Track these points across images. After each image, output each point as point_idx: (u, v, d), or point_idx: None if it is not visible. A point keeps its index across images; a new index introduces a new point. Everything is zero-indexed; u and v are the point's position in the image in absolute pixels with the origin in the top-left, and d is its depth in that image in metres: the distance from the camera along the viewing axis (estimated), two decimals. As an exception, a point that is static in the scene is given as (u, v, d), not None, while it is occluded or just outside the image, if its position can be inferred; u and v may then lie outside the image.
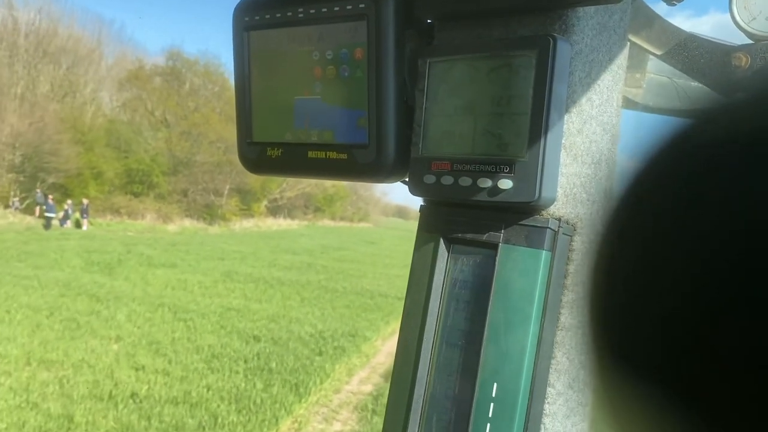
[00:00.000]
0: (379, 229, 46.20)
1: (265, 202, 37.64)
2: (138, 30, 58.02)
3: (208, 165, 27.00)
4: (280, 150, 0.71)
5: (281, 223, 33.28)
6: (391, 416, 0.63)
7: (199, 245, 18.22)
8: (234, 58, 0.73)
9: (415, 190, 0.63)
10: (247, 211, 32.23)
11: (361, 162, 0.64)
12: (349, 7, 0.63)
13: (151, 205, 24.84)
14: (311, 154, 0.68)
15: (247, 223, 29.67)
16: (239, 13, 0.72)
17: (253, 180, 28.81)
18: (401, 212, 77.00)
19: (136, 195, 25.19)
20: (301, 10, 0.66)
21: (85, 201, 21.17)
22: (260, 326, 8.21)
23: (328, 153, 0.67)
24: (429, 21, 0.65)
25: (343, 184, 39.66)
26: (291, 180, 39.48)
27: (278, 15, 0.68)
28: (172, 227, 23.48)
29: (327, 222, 42.82)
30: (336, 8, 0.64)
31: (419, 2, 0.62)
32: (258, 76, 0.72)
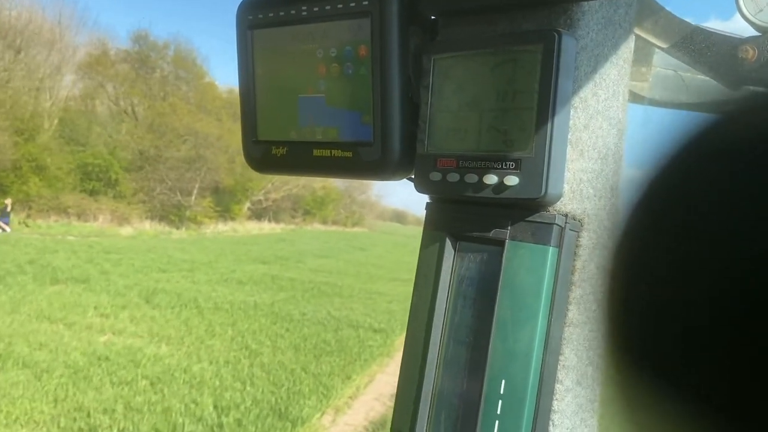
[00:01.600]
0: (374, 233, 43.29)
1: (247, 204, 34.58)
2: (105, 12, 54.15)
3: (174, 160, 23.99)
4: (285, 148, 0.71)
5: (263, 227, 30.26)
6: (400, 413, 0.63)
7: (144, 252, 15.16)
8: (238, 57, 0.73)
9: (420, 187, 0.63)
10: (225, 214, 29.20)
11: (367, 159, 0.64)
12: (352, 4, 0.63)
13: (109, 206, 21.82)
14: (316, 152, 0.68)
15: (223, 227, 26.67)
16: (243, 12, 0.72)
17: (231, 179, 25.72)
18: (399, 217, 75.87)
19: (91, 193, 22.15)
20: (304, 8, 0.66)
21: (8, 201, 18.04)
22: (107, 400, 4.89)
23: (333, 151, 0.67)
24: (433, 17, 0.65)
25: (335, 186, 36.34)
26: (276, 180, 36.08)
27: (282, 13, 0.68)
28: (126, 231, 20.44)
29: (317, 226, 39.77)
30: (339, 5, 0.64)
31: None
32: (262, 74, 0.72)
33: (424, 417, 0.61)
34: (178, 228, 24.08)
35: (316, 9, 0.65)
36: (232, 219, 29.98)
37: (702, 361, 0.16)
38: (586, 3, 0.55)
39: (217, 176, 25.14)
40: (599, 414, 0.62)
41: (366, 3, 0.62)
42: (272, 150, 0.72)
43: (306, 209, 39.83)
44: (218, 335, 7.44)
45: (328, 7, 0.64)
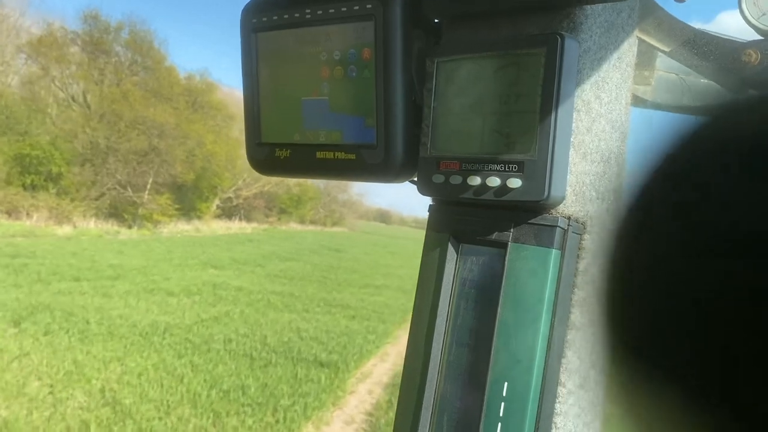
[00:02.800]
0: (354, 233, 41.14)
1: (216, 202, 32.13)
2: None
3: (125, 152, 21.49)
4: (289, 151, 0.71)
5: (231, 227, 27.88)
6: (402, 416, 0.63)
7: (66, 256, 12.81)
8: (242, 60, 0.73)
9: (423, 189, 0.62)
10: (191, 212, 26.81)
11: (370, 162, 0.64)
12: (356, 7, 0.63)
13: (49, 202, 19.34)
14: (319, 154, 0.68)
15: (185, 227, 24.24)
16: (247, 15, 0.72)
17: (190, 173, 23.34)
18: (383, 216, 74.79)
19: (29, 188, 19.64)
20: (308, 11, 0.66)
21: None
22: None
23: (336, 153, 0.67)
24: (436, 20, 0.65)
25: (311, 184, 34.03)
26: (247, 176, 33.42)
27: (286, 16, 0.68)
28: (64, 230, 18.01)
29: (294, 226, 37.44)
30: (343, 9, 0.64)
31: (426, 2, 0.62)
32: (266, 77, 0.72)
33: (426, 419, 0.61)
34: (130, 227, 21.63)
35: (320, 12, 0.65)
36: (199, 218, 27.66)
37: (705, 363, 0.16)
38: (589, 7, 0.56)
39: (174, 170, 22.71)
40: (602, 417, 0.61)
41: (369, 6, 0.62)
42: (276, 152, 0.72)
43: (281, 208, 37.52)
44: (84, 380, 5.15)
45: (332, 11, 0.65)
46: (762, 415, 0.15)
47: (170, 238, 20.28)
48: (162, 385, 5.22)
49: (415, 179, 0.64)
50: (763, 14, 0.66)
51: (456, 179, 0.58)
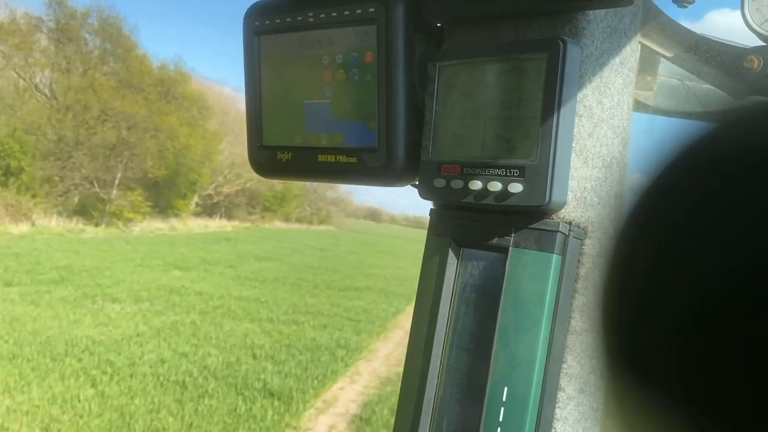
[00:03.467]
0: (342, 232, 39.94)
1: (195, 199, 30.71)
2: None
3: (92, 146, 19.99)
4: (290, 154, 0.71)
5: (210, 225, 26.54)
6: (402, 420, 0.63)
7: (6, 257, 11.41)
8: (244, 63, 0.73)
9: (424, 193, 0.62)
10: (168, 210, 25.43)
11: (371, 166, 0.64)
12: (358, 11, 0.63)
13: (8, 198, 17.91)
14: (321, 157, 0.68)
15: (160, 225, 22.88)
16: (250, 18, 0.72)
17: (162, 169, 21.94)
18: (374, 215, 73.93)
19: (-15, 183, 18.21)
20: (311, 14, 0.66)
21: None
22: None
23: (338, 157, 0.67)
24: (438, 25, 0.65)
25: (295, 182, 32.83)
26: (228, 172, 31.84)
27: (288, 19, 0.68)
28: (20, 228, 16.58)
29: (278, 224, 36.14)
30: (346, 12, 0.64)
31: (429, 6, 0.62)
32: (268, 80, 0.72)
33: (426, 424, 0.61)
34: (97, 225, 20.24)
35: (322, 15, 0.65)
36: (176, 215, 26.31)
37: (706, 370, 0.16)
38: (591, 12, 0.55)
39: (145, 165, 21.24)
40: (602, 422, 0.61)
41: (372, 10, 0.62)
42: (277, 155, 0.72)
43: (265, 205, 36.18)
44: None
45: (334, 14, 0.64)
46: (763, 423, 0.15)
47: (140, 237, 19.00)
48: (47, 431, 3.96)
49: (417, 183, 0.64)
50: (766, 20, 0.66)
51: (457, 183, 0.58)
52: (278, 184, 34.75)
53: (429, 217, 0.65)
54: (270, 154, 0.72)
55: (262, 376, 5.47)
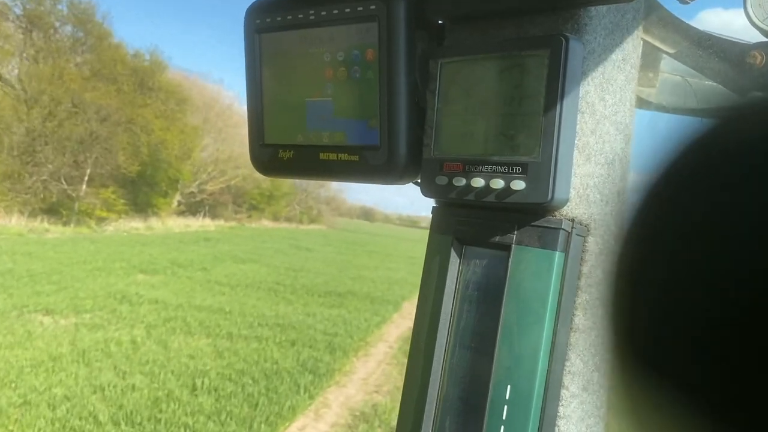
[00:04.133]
0: (333, 231, 38.68)
1: (177, 197, 29.37)
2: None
3: (59, 139, 18.57)
4: (292, 152, 0.71)
5: (192, 225, 25.19)
6: (404, 418, 0.63)
7: None
8: (245, 61, 0.73)
9: (426, 191, 0.62)
10: (146, 208, 24.12)
11: (373, 163, 0.64)
12: (360, 8, 0.62)
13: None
14: (323, 155, 0.68)
15: (137, 224, 21.56)
16: (251, 16, 0.71)
17: (135, 164, 20.59)
18: (367, 214, 73.00)
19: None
20: (312, 12, 0.66)
21: None
22: None
23: (339, 155, 0.66)
24: (440, 22, 0.65)
25: (284, 180, 31.56)
26: (214, 169, 30.41)
27: (289, 17, 0.68)
28: (-26, 228, 15.25)
29: (265, 223, 34.83)
30: (347, 10, 0.63)
31: (430, 3, 0.62)
32: (269, 78, 0.72)
33: (429, 422, 0.60)
34: (66, 224, 18.90)
35: (323, 13, 0.65)
36: (155, 214, 25.01)
37: (709, 366, 0.16)
38: (593, 8, 0.55)
39: (117, 160, 19.79)
40: (606, 420, 0.61)
41: (373, 7, 0.62)
42: (279, 153, 0.72)
43: (252, 204, 34.85)
44: None
45: (335, 11, 0.64)
46: (766, 418, 0.15)
47: (111, 237, 17.66)
48: None
49: (419, 181, 0.64)
50: None
51: (459, 181, 0.58)
52: (265, 181, 33.49)
53: (431, 215, 0.65)
54: (272, 152, 0.72)
55: (191, 421, 4.20)
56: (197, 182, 29.85)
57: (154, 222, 23.66)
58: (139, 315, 7.57)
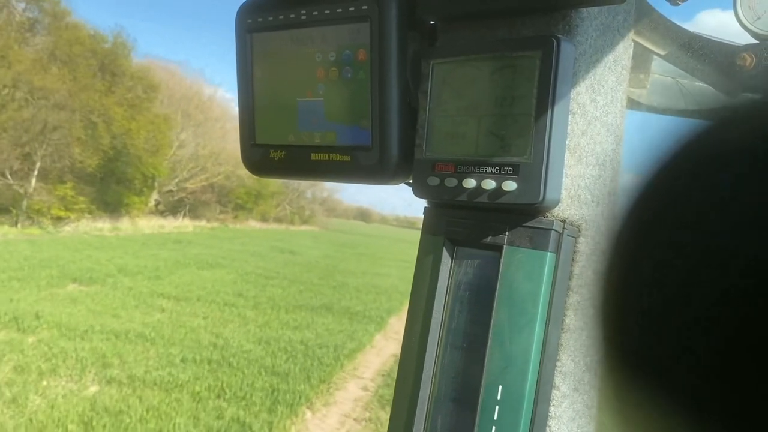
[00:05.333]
0: (324, 232, 36.72)
1: (154, 196, 27.22)
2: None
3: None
4: (283, 152, 0.70)
5: (166, 225, 23.13)
6: (396, 419, 0.62)
7: None
8: (237, 60, 0.72)
9: (418, 191, 0.62)
10: (119, 207, 22.05)
11: (364, 164, 0.64)
12: (351, 8, 0.62)
13: None
14: (314, 156, 0.67)
15: (102, 224, 19.50)
16: (242, 15, 0.71)
17: (95, 158, 18.44)
18: (364, 215, 71.36)
19: None
20: (304, 12, 0.66)
21: None
22: None
23: (331, 155, 0.66)
24: (432, 22, 0.65)
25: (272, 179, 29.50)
26: (194, 166, 28.09)
27: (281, 17, 0.68)
28: None
29: (253, 224, 32.77)
30: (339, 10, 0.63)
31: (422, 3, 0.61)
32: (261, 78, 0.72)
33: (420, 422, 0.60)
34: (14, 225, 16.80)
35: (315, 13, 0.65)
36: (129, 214, 22.95)
37: (700, 367, 0.16)
38: (584, 9, 0.55)
39: (71, 152, 17.56)
40: (597, 420, 0.61)
41: (365, 8, 0.61)
42: (270, 153, 0.71)
43: (238, 203, 32.73)
44: None
45: (327, 11, 0.64)
46: (757, 420, 0.15)
47: (61, 240, 15.60)
48: None
49: (410, 181, 0.63)
50: (758, 18, 0.66)
51: (451, 182, 0.58)
52: (250, 179, 31.41)
53: (423, 216, 0.64)
54: (263, 152, 0.72)
55: None
56: (176, 179, 27.70)
57: (125, 222, 21.58)
58: (16, 347, 5.51)
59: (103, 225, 19.46)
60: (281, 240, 23.54)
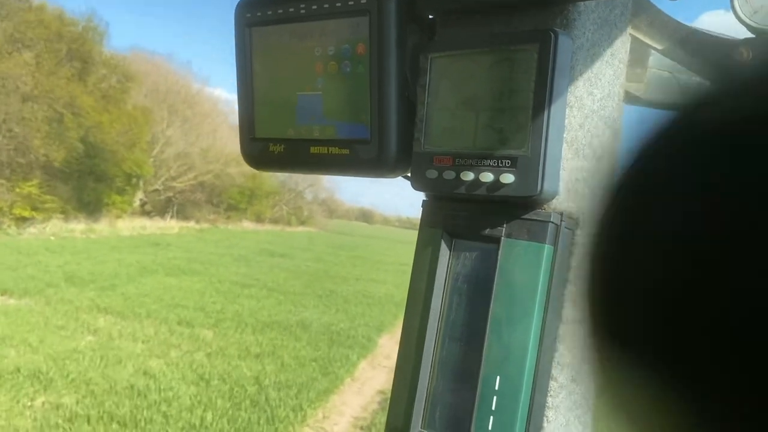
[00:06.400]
0: (322, 233, 35.17)
1: (139, 195, 25.65)
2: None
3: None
4: (283, 146, 0.70)
5: (148, 227, 21.53)
6: (395, 410, 0.63)
7: None
8: (236, 55, 0.72)
9: (417, 184, 0.62)
10: (100, 207, 20.53)
11: (363, 157, 0.64)
12: (351, 2, 0.62)
13: None
14: (313, 149, 0.67)
15: (74, 226, 17.94)
16: (241, 10, 0.71)
17: (61, 151, 16.82)
18: (366, 216, 70.23)
19: None
20: (303, 6, 0.66)
21: None
22: None
23: (330, 148, 0.66)
24: (430, 16, 0.65)
25: (267, 176, 27.88)
26: (182, 164, 26.70)
27: (280, 11, 0.68)
28: None
29: (246, 225, 31.18)
30: (338, 4, 0.63)
31: None
32: (260, 72, 0.72)
33: (419, 413, 0.60)
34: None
35: (314, 7, 0.65)
36: (110, 214, 21.41)
37: (696, 358, 0.16)
38: (582, 3, 0.56)
39: (30, 145, 15.80)
40: (594, 410, 0.62)
41: (364, 1, 0.61)
42: (269, 147, 0.71)
43: (231, 203, 31.13)
44: None
45: (326, 6, 0.64)
46: (751, 409, 0.15)
47: (18, 243, 14.03)
48: None
49: (409, 175, 0.64)
50: (755, 12, 0.65)
51: (449, 175, 0.58)
52: (242, 177, 29.76)
53: (421, 209, 0.64)
54: (262, 146, 0.72)
55: None
56: (162, 178, 26.12)
57: (103, 223, 20.00)
58: None
59: (76, 226, 17.88)
60: (273, 242, 22.00)
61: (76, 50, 17.86)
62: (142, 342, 6.28)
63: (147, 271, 11.52)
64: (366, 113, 0.63)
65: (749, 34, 0.66)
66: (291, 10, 0.66)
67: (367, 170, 0.64)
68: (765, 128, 0.16)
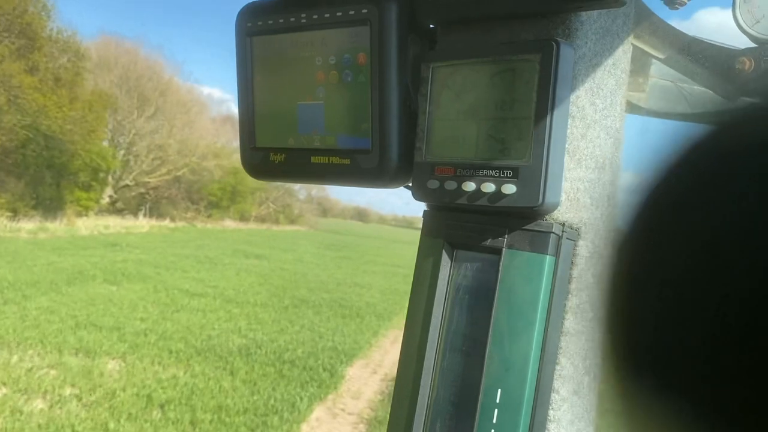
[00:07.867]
0: (311, 232, 33.26)
1: (108, 192, 23.52)
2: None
3: None
4: (283, 155, 0.70)
5: (112, 226, 19.57)
6: (395, 422, 0.62)
7: None
8: (237, 64, 0.72)
9: (418, 194, 0.62)
10: (57, 204, 18.56)
11: (364, 167, 0.64)
12: (351, 12, 0.62)
13: None
14: (314, 159, 0.67)
15: (21, 224, 16.05)
16: (242, 19, 0.71)
17: (55, 150, 14.80)
18: (361, 215, 69.01)
19: None
20: (304, 15, 0.66)
21: None
22: None
23: (331, 158, 0.66)
24: (432, 26, 0.64)
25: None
26: (155, 157, 24.49)
27: (281, 20, 0.68)
28: None
29: (228, 224, 29.12)
30: (339, 13, 0.63)
31: (422, 7, 0.62)
32: (261, 81, 0.71)
33: (419, 426, 0.60)
34: None
35: (315, 17, 0.65)
36: (79, 213, 19.44)
37: (699, 370, 0.16)
38: (584, 13, 0.55)
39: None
40: (596, 424, 0.61)
41: (365, 11, 0.61)
42: (270, 157, 0.71)
43: (211, 201, 29.05)
44: None
45: (327, 15, 0.64)
46: (757, 422, 0.15)
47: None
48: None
49: (410, 185, 0.63)
50: (757, 22, 0.65)
51: (451, 185, 0.58)
52: (222, 172, 27.79)
53: (422, 219, 0.64)
54: (263, 155, 0.72)
55: None
56: (133, 173, 24.01)
57: (59, 222, 17.98)
58: None
59: (25, 225, 15.96)
60: (252, 242, 20.09)
61: (15, 24, 15.75)
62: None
63: (82, 277, 9.62)
64: (367, 123, 0.63)
65: (751, 44, 0.66)
66: (292, 19, 0.66)
67: (368, 180, 0.64)
68: None
